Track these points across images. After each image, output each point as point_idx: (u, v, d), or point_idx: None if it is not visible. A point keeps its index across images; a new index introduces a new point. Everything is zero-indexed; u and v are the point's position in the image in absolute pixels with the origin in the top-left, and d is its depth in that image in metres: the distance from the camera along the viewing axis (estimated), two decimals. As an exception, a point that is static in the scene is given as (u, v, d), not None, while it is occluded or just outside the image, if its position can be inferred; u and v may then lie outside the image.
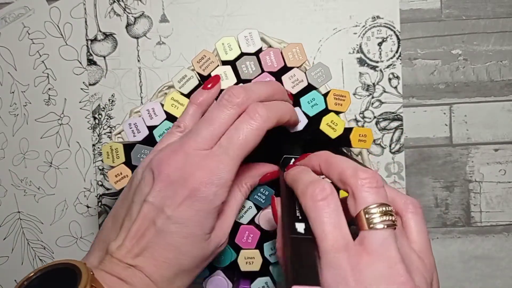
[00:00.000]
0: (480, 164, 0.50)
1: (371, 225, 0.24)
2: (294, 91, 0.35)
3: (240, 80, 0.35)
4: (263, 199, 0.35)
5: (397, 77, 0.49)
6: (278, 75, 0.35)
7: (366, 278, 0.23)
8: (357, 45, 0.49)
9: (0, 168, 0.51)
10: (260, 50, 0.36)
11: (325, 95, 0.36)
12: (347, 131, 0.36)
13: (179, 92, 0.36)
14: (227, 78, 0.35)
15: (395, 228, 0.24)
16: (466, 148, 0.50)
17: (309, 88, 0.36)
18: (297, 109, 0.35)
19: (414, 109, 0.49)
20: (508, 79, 0.49)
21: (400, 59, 0.49)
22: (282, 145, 0.37)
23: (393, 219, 0.24)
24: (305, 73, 0.35)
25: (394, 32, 0.49)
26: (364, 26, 0.49)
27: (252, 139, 0.30)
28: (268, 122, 0.30)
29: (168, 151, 0.30)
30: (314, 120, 0.35)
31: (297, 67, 0.36)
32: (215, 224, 0.30)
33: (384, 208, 0.24)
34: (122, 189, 0.35)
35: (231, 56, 0.35)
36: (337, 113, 0.36)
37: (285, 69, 0.35)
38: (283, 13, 0.49)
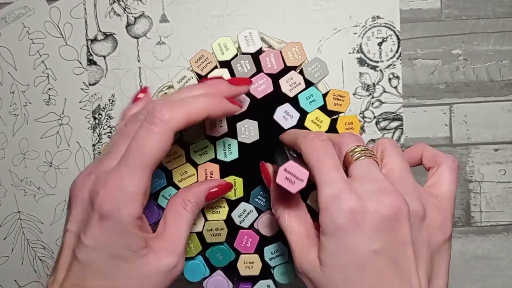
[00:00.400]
0: (480, 164, 0.50)
1: (355, 159, 0.28)
2: (291, 94, 0.35)
3: None
4: (263, 202, 0.35)
5: (397, 77, 0.49)
6: (278, 76, 0.35)
7: (359, 192, 0.26)
8: (357, 45, 0.49)
9: (0, 168, 0.51)
10: (260, 50, 0.36)
11: (324, 95, 0.36)
12: (333, 121, 0.36)
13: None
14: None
15: (375, 160, 0.28)
16: (466, 148, 0.50)
17: (307, 84, 0.36)
18: (286, 106, 0.35)
19: (414, 109, 0.49)
20: (508, 79, 0.49)
21: (400, 59, 0.49)
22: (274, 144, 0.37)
23: (372, 153, 0.28)
24: (303, 75, 0.35)
25: (394, 32, 0.49)
26: (364, 26, 0.49)
27: (154, 145, 0.27)
28: (172, 123, 0.28)
29: (82, 175, 0.29)
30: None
31: (296, 67, 0.36)
32: (144, 242, 0.28)
33: (363, 147, 0.28)
34: None
35: (227, 56, 0.35)
36: (336, 113, 0.36)
37: (285, 70, 0.35)
38: (283, 13, 0.49)
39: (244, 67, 0.35)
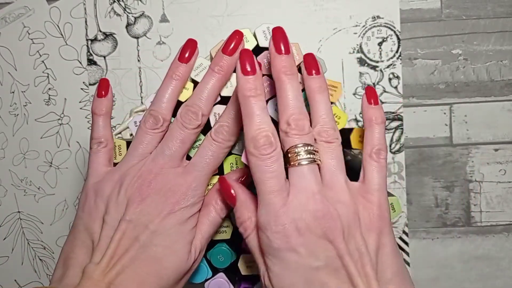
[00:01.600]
0: (480, 164, 0.50)
1: (293, 162, 0.29)
2: None
3: None
4: None
5: (397, 77, 0.49)
6: None
7: (291, 208, 0.28)
8: (357, 45, 0.49)
9: (0, 168, 0.51)
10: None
11: None
12: (347, 131, 0.36)
13: (191, 79, 0.36)
14: (232, 86, 0.35)
15: (317, 165, 0.29)
16: (466, 148, 0.50)
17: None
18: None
19: (414, 109, 0.49)
20: (508, 79, 0.49)
21: (400, 59, 0.49)
22: None
23: (314, 157, 0.29)
24: (301, 73, 0.35)
25: (394, 32, 0.49)
26: (364, 26, 0.49)
27: (219, 156, 0.33)
28: (230, 143, 0.34)
29: (141, 170, 0.32)
30: None
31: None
32: (193, 237, 0.32)
33: (306, 148, 0.29)
34: None
35: (248, 48, 0.35)
36: None
37: None
38: (283, 13, 0.49)
39: None
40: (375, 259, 0.29)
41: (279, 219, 0.28)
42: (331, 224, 0.27)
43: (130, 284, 0.29)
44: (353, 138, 0.35)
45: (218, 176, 0.35)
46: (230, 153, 0.35)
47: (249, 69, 0.29)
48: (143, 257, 0.30)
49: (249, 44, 0.35)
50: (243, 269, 0.36)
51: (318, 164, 0.30)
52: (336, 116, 0.35)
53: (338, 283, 0.27)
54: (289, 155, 0.29)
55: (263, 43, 0.35)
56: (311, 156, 0.29)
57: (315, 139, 0.30)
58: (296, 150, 0.29)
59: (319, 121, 0.31)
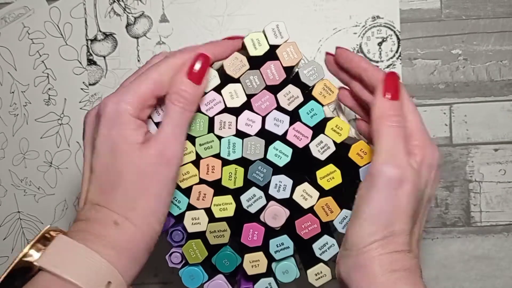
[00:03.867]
0: (480, 164, 0.50)
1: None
2: (290, 108, 0.35)
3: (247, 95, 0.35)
4: (261, 177, 0.35)
5: (397, 77, 0.49)
6: (280, 87, 0.35)
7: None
8: (357, 45, 0.49)
9: (0, 168, 0.51)
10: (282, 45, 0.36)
11: (314, 86, 0.36)
12: (346, 148, 0.36)
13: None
14: (238, 96, 0.35)
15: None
16: (466, 148, 0.50)
17: (305, 97, 0.36)
18: (273, 113, 0.35)
19: (414, 109, 0.49)
20: (508, 79, 0.49)
21: (400, 59, 0.49)
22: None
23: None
24: (299, 78, 0.35)
25: (394, 32, 0.49)
26: (364, 26, 0.49)
27: (163, 67, 0.32)
28: (175, 59, 0.32)
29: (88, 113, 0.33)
30: (316, 129, 0.35)
31: (293, 70, 0.36)
32: (144, 136, 0.31)
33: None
34: None
35: (260, 52, 0.35)
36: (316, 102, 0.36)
37: (287, 80, 0.35)
38: (283, 13, 0.49)
39: (254, 82, 0.35)
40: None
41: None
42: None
43: (100, 198, 0.30)
44: (352, 154, 0.36)
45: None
46: (229, 162, 0.35)
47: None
48: (102, 170, 0.30)
49: (262, 48, 0.35)
50: (248, 269, 0.36)
51: None
52: (337, 128, 0.35)
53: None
54: None
55: (273, 40, 0.35)
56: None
57: None
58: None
59: None
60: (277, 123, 0.35)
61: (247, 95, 0.35)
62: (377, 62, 0.49)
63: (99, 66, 0.49)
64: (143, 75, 0.31)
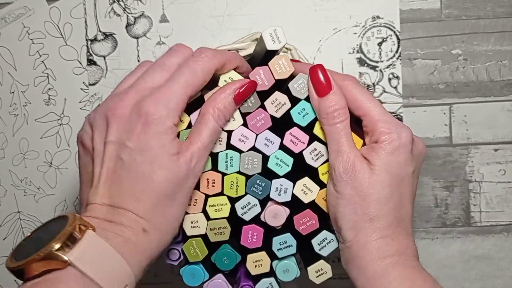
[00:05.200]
0: (480, 164, 0.50)
1: None
2: (278, 115, 0.35)
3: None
4: (260, 191, 0.35)
5: (397, 77, 0.49)
6: (270, 92, 0.35)
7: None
8: (357, 45, 0.49)
9: (0, 168, 0.51)
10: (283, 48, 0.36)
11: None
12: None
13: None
14: (234, 120, 0.35)
15: None
16: (466, 148, 0.50)
17: (292, 102, 0.36)
18: (265, 133, 0.35)
19: (414, 109, 0.49)
20: (508, 79, 0.49)
21: (400, 59, 0.49)
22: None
23: None
24: (289, 92, 0.35)
25: (394, 32, 0.49)
26: (364, 26, 0.49)
27: (200, 71, 0.32)
28: (215, 60, 0.33)
29: (112, 99, 0.32)
30: (307, 129, 0.35)
31: (285, 81, 0.36)
32: (179, 146, 0.31)
33: None
34: None
35: (277, 46, 0.35)
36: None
37: (276, 85, 0.35)
38: (283, 13, 0.49)
39: (249, 101, 0.35)
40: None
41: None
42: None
43: (128, 203, 0.30)
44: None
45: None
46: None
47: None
48: (132, 175, 0.30)
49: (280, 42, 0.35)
50: (252, 269, 0.36)
51: None
52: None
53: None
54: None
55: (271, 46, 0.35)
56: None
57: None
58: None
59: None
60: (268, 143, 0.35)
61: (242, 114, 0.35)
62: (377, 62, 0.49)
63: (99, 66, 0.49)
64: (181, 81, 0.32)
